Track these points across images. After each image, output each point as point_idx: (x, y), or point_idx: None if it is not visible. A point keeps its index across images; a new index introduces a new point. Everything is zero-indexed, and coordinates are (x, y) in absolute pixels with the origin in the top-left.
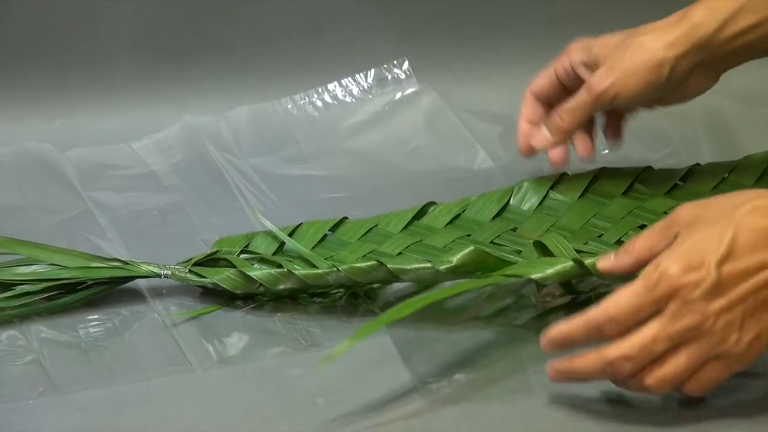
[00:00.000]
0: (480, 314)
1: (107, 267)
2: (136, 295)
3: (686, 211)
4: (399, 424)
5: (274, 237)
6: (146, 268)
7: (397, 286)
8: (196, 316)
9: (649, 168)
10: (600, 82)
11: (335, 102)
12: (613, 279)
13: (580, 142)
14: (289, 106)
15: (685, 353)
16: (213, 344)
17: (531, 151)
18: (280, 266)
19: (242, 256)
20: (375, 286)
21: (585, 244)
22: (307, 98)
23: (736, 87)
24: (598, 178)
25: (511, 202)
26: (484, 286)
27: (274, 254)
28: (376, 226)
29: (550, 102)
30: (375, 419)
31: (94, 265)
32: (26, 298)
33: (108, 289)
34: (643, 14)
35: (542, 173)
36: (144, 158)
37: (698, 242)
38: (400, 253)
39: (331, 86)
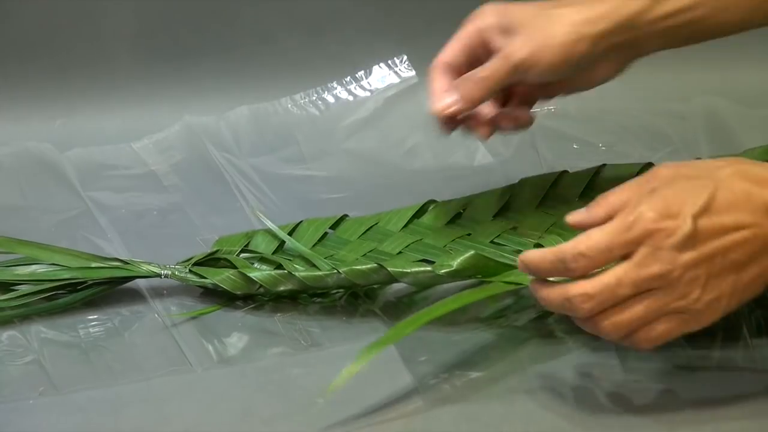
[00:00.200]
0: (480, 315)
1: (107, 267)
2: (136, 295)
3: (666, 169)
4: (399, 424)
5: (274, 236)
6: (146, 268)
7: (397, 286)
8: (196, 316)
9: (649, 165)
10: (518, 50)
11: (335, 101)
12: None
13: (481, 123)
14: (289, 105)
15: (645, 302)
16: (213, 344)
17: (448, 121)
18: (280, 266)
19: (242, 255)
20: (375, 286)
21: None
22: (307, 98)
23: (735, 87)
24: (599, 175)
25: (511, 200)
26: (486, 297)
27: (274, 253)
28: (376, 224)
29: (461, 73)
30: (375, 419)
31: (94, 265)
32: (26, 298)
33: (108, 289)
34: None
35: (542, 170)
36: (144, 158)
37: (678, 192)
38: (400, 252)
39: (331, 86)
